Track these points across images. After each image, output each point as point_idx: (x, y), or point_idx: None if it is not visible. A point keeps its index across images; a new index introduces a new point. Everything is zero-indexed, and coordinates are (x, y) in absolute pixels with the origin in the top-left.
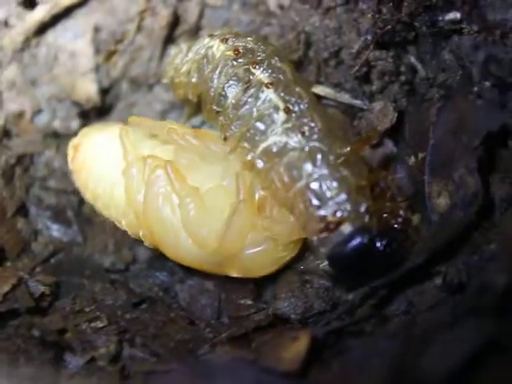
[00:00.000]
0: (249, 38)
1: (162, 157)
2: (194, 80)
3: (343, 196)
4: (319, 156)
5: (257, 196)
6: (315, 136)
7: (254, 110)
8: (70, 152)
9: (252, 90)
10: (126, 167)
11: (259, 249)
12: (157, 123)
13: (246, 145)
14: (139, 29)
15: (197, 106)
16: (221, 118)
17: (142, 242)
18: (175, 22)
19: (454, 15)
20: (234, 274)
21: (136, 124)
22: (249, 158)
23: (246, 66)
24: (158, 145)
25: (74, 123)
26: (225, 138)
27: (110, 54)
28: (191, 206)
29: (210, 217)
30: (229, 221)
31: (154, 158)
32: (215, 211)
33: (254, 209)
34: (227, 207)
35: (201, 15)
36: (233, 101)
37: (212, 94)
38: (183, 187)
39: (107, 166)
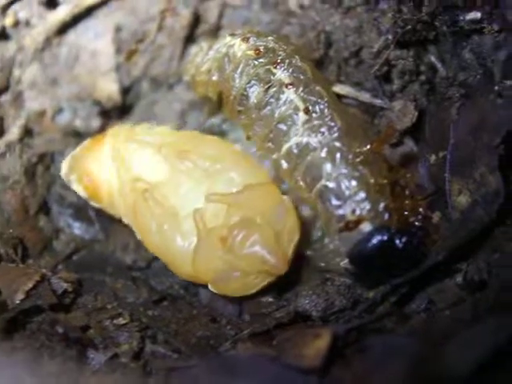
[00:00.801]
0: (269, 38)
1: (156, 173)
2: (214, 78)
3: (362, 194)
4: (338, 155)
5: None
6: (334, 135)
7: (276, 111)
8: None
9: (273, 90)
10: (120, 187)
11: (230, 279)
12: (149, 138)
13: (270, 145)
14: (160, 28)
15: (217, 105)
16: (243, 117)
17: None
18: (196, 21)
19: (475, 15)
20: (215, 291)
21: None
22: (274, 157)
23: (267, 67)
24: (150, 159)
25: (95, 122)
26: (248, 137)
27: (131, 54)
28: (168, 232)
29: (184, 244)
30: (193, 256)
31: (140, 182)
32: (191, 237)
33: (217, 243)
34: None
35: (221, 15)
36: (255, 101)
37: (234, 93)
38: (162, 213)
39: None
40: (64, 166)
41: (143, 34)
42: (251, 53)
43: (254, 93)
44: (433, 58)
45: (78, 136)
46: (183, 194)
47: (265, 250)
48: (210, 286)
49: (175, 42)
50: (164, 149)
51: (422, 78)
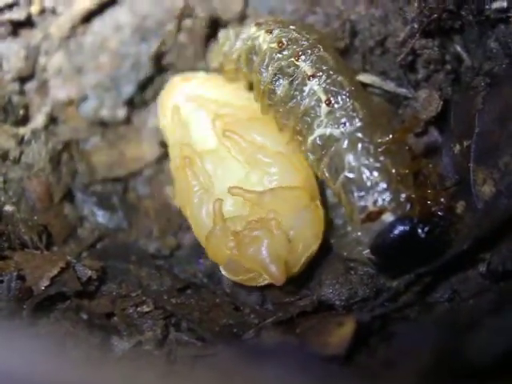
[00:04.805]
0: (292, 27)
1: (208, 142)
2: (244, 70)
3: (383, 185)
4: (359, 146)
5: (236, 222)
6: (356, 126)
7: (301, 103)
8: None
9: (296, 83)
10: (172, 145)
11: (238, 269)
12: (211, 103)
13: (298, 138)
14: (179, 29)
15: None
16: (273, 111)
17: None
18: (214, 23)
19: (501, 4)
20: (226, 275)
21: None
22: (302, 149)
23: (291, 59)
24: (206, 126)
25: (121, 112)
26: (280, 130)
27: (157, 56)
28: (196, 205)
29: (207, 221)
30: (205, 241)
31: (186, 147)
32: None
33: (230, 234)
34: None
35: (246, 3)
36: (281, 95)
37: (262, 87)
38: (196, 185)
39: None
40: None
41: (165, 34)
42: (275, 45)
43: (280, 86)
44: (458, 48)
45: (102, 125)
46: (222, 172)
47: (269, 257)
48: (221, 270)
49: (197, 42)
50: (218, 121)
51: (448, 67)
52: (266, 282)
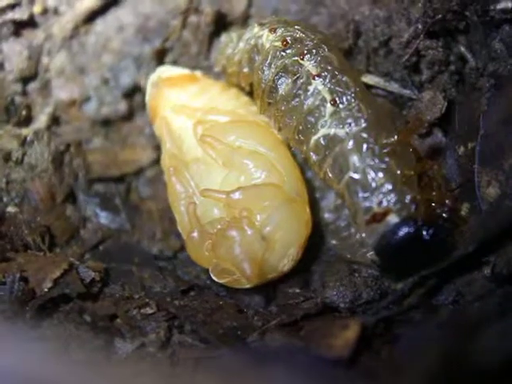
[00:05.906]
0: (296, 27)
1: (196, 149)
2: (245, 70)
3: (388, 186)
4: (365, 146)
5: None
6: (361, 126)
7: (304, 102)
8: None
9: (300, 82)
10: (164, 153)
11: (222, 272)
12: (195, 112)
13: (300, 137)
14: (184, 26)
15: (249, 94)
16: (273, 109)
17: None
18: (220, 18)
19: (506, 4)
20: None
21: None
22: (304, 149)
23: (295, 58)
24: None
25: (121, 106)
26: (279, 129)
27: (160, 52)
28: (183, 212)
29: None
30: (186, 247)
31: (173, 160)
32: (203, 219)
33: (207, 238)
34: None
35: (250, 4)
36: (283, 93)
37: (263, 85)
38: (182, 192)
39: None
40: (152, 78)
41: (169, 30)
42: (279, 44)
43: (283, 85)
44: (462, 49)
45: (105, 125)
46: (206, 178)
47: (241, 255)
48: (210, 273)
49: (201, 39)
50: (199, 127)
51: (452, 68)
52: (249, 285)
